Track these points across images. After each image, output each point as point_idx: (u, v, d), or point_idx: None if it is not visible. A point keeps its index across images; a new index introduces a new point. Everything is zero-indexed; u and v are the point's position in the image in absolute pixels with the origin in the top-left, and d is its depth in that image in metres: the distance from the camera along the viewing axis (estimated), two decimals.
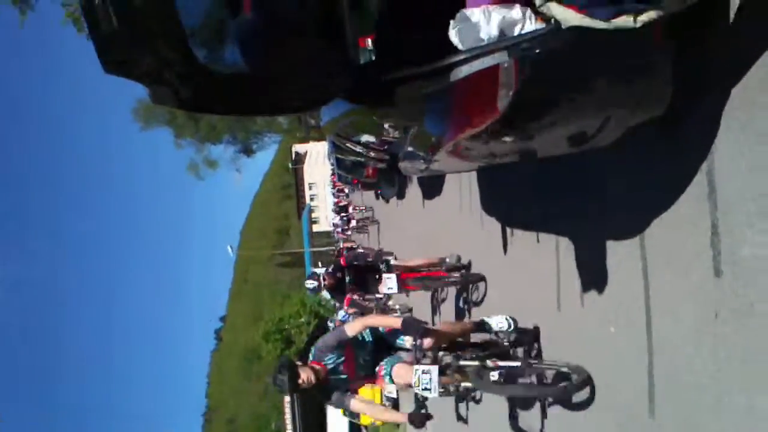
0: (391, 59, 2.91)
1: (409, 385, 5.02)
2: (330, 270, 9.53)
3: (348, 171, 16.21)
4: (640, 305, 3.85)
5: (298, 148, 70.68)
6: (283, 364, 5.05)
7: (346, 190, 31.84)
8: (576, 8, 2.30)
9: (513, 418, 6.36)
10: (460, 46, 2.58)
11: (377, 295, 10.11)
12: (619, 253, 4.14)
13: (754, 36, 2.76)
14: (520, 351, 5.82)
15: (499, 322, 6.03)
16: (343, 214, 30.92)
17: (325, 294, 9.43)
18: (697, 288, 3.25)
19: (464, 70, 2.60)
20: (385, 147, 7.47)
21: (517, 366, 5.15)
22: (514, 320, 6.02)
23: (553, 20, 2.39)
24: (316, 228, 64.55)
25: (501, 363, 5.16)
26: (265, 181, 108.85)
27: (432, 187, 11.80)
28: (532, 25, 2.46)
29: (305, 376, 4.96)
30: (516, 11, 2.48)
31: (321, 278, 9.50)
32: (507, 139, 3.02)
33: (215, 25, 3.05)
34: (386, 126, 4.48)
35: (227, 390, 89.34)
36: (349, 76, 3.13)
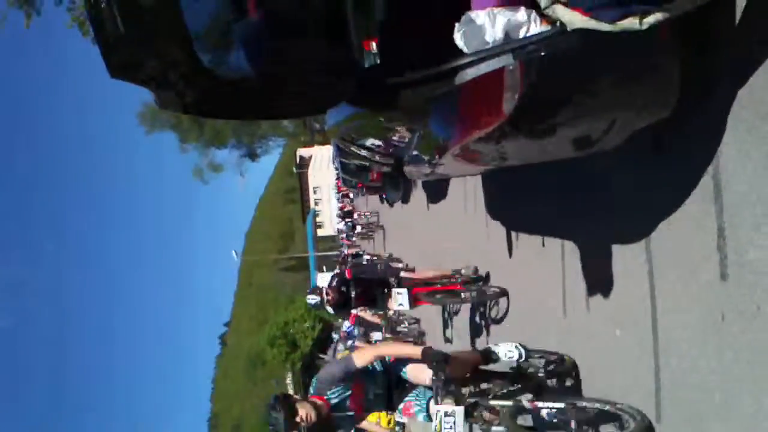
0: (396, 62, 2.91)
1: None
2: (334, 283, 8.42)
3: (353, 175, 16.21)
4: (646, 308, 3.84)
5: (303, 152, 70.78)
6: (278, 398, 4.39)
7: (351, 195, 31.85)
8: (581, 11, 2.30)
9: None
10: (465, 49, 2.58)
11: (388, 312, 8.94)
12: (624, 256, 4.13)
13: (761, 36, 2.75)
14: (554, 381, 5.11)
15: (507, 352, 5.17)
16: (347, 220, 30.91)
17: (329, 309, 8.48)
18: (704, 290, 3.24)
19: (469, 73, 2.60)
20: (390, 151, 7.43)
21: (562, 407, 4.23)
22: (525, 348, 5.22)
23: (558, 23, 2.39)
24: (320, 232, 64.56)
25: (541, 404, 4.30)
26: (269, 185, 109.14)
27: (437, 190, 11.79)
28: (537, 27, 2.46)
29: (304, 412, 4.30)
30: (521, 14, 2.48)
31: (324, 292, 8.36)
32: (513, 142, 3.02)
33: (220, 28, 3.05)
34: (395, 127, 4.47)
35: (232, 395, 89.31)
36: (353, 79, 3.13)
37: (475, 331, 8.35)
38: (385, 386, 4.76)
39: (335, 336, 16.34)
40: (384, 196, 20.59)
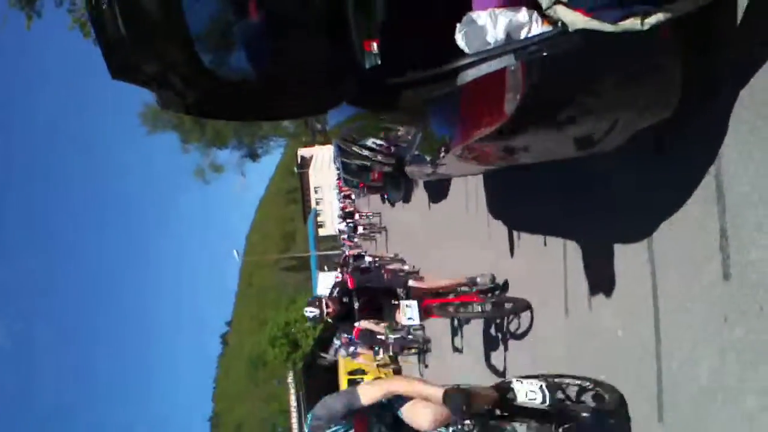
0: (397, 63, 2.91)
1: None
2: (335, 294, 7.49)
3: (354, 175, 16.25)
4: (649, 308, 3.83)
5: (304, 152, 70.76)
6: None
7: (353, 196, 31.79)
8: (583, 11, 2.30)
9: None
10: (466, 50, 2.57)
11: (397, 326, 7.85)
12: (626, 256, 4.13)
13: (762, 37, 2.75)
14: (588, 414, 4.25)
15: (529, 392, 4.21)
16: (349, 221, 30.77)
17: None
18: (706, 291, 3.24)
19: (471, 74, 2.60)
20: (392, 151, 7.38)
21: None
22: (550, 390, 4.23)
23: (560, 23, 2.38)
24: (321, 232, 64.55)
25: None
26: (270, 186, 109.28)
27: (438, 190, 11.78)
28: (538, 28, 2.46)
29: None
30: (523, 14, 2.47)
31: (323, 304, 7.23)
32: (514, 142, 3.02)
33: (221, 29, 3.06)
34: (396, 128, 4.46)
35: (233, 395, 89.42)
36: (354, 80, 3.13)
37: (489, 343, 7.49)
38: (392, 424, 4.09)
39: (337, 342, 16.23)
40: (385, 196, 20.57)
